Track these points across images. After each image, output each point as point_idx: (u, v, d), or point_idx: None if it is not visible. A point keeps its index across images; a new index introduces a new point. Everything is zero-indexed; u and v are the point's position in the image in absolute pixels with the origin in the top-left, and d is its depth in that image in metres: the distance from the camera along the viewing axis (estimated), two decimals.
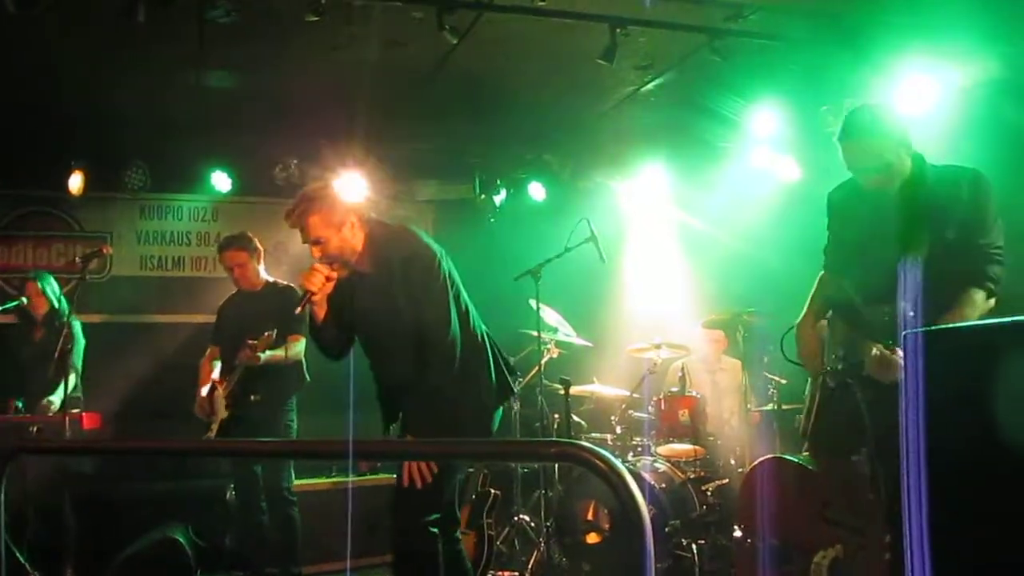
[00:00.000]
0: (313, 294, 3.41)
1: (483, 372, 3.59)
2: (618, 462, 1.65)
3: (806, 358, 3.67)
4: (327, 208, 3.45)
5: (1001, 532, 1.89)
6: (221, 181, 7.04)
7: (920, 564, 1.99)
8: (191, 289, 7.30)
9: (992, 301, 3.18)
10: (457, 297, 3.54)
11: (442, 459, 3.23)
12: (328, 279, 3.42)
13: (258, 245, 5.31)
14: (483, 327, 3.68)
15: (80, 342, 5.57)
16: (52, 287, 5.71)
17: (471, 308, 3.64)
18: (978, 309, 3.15)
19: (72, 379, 5.42)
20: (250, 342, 4.90)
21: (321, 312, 3.52)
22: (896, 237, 3.34)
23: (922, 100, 5.14)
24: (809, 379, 4.59)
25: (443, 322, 3.41)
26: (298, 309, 3.48)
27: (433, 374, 3.38)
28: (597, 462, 1.63)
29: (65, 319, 5.38)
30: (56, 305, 5.67)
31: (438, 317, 3.41)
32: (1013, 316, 1.98)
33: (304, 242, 3.51)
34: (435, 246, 3.57)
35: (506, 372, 3.71)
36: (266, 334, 4.92)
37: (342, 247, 3.46)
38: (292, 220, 3.49)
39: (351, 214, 3.49)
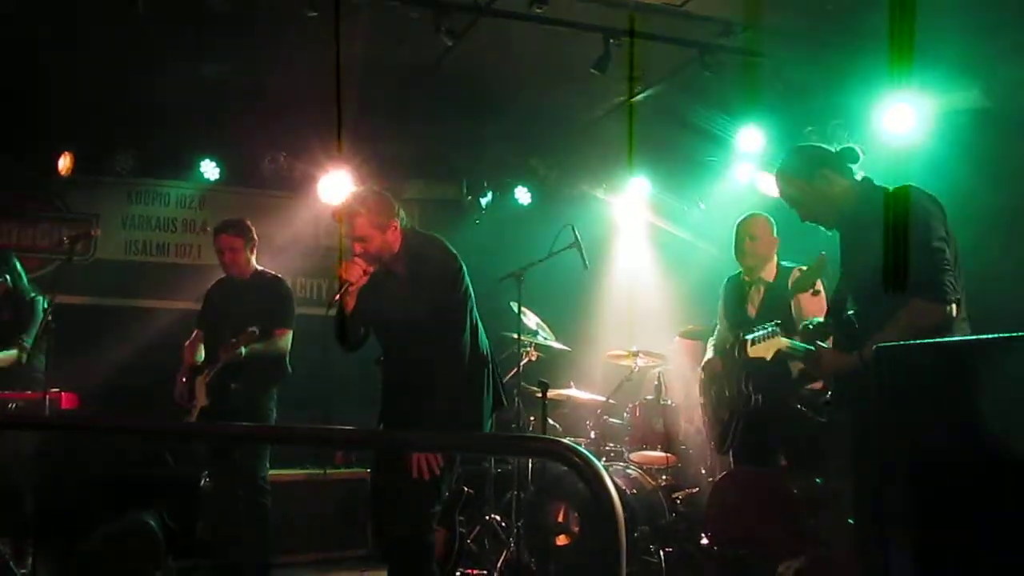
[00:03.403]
0: (351, 284, 3.73)
1: (482, 383, 3.88)
2: (602, 467, 1.71)
3: None
4: (375, 210, 3.79)
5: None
6: (210, 170, 7.05)
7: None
8: (175, 275, 7.25)
9: (949, 308, 3.24)
10: (471, 310, 3.85)
11: (434, 450, 3.47)
12: (365, 272, 3.76)
13: (254, 235, 5.25)
14: (487, 343, 3.99)
15: (37, 318, 5.34)
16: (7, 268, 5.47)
17: (479, 324, 3.94)
18: (917, 317, 3.24)
19: (16, 353, 5.26)
20: (232, 340, 4.90)
21: (351, 302, 3.79)
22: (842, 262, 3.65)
23: (902, 126, 5.28)
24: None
25: (458, 329, 3.74)
26: (335, 296, 3.76)
27: (440, 376, 3.68)
28: (580, 463, 1.68)
29: (29, 297, 5.30)
30: (11, 284, 5.41)
31: (454, 323, 3.74)
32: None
33: (348, 237, 3.84)
34: (460, 259, 3.87)
35: (500, 386, 4.04)
36: (249, 330, 4.90)
37: (382, 247, 3.80)
38: (342, 217, 3.84)
39: (394, 219, 3.82)
